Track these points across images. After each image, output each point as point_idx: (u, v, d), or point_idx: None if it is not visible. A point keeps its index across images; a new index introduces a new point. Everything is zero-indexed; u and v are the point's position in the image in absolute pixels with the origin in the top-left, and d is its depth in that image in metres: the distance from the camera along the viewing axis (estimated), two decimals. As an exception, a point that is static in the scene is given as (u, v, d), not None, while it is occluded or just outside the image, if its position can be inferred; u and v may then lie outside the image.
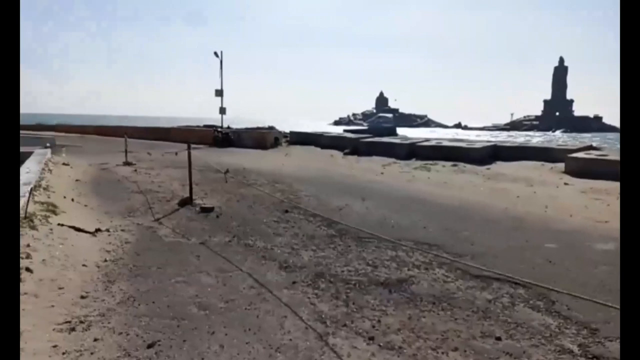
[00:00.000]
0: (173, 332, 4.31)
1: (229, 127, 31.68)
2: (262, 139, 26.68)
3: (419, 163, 17.49)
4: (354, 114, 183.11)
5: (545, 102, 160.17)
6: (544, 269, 6.22)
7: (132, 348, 3.99)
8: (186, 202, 10.36)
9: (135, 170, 15.42)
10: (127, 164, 16.92)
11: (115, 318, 4.55)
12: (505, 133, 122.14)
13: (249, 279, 5.76)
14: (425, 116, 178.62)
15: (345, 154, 21.42)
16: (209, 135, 28.01)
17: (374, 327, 4.50)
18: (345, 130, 32.55)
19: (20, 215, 7.09)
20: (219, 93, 32.32)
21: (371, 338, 4.26)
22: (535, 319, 4.72)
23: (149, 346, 4.03)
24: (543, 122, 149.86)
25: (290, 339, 4.21)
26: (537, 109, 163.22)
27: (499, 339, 4.29)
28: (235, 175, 13.55)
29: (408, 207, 10.11)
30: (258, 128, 34.01)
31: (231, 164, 16.42)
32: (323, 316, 4.71)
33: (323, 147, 24.27)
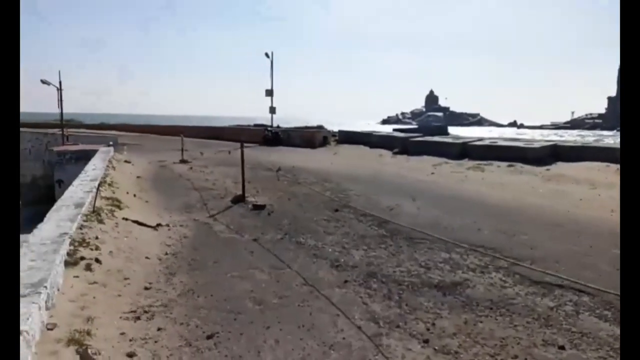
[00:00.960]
0: (230, 325, 4.46)
1: (278, 126, 32.25)
2: (311, 137, 26.91)
3: (472, 163, 16.96)
4: (402, 113, 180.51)
5: (610, 99, 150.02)
6: (611, 276, 5.83)
7: (193, 338, 4.17)
8: (239, 199, 10.65)
9: (191, 168, 16.04)
10: (183, 162, 17.64)
11: (176, 309, 4.77)
12: (574, 131, 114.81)
13: (301, 277, 5.84)
14: (478, 115, 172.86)
15: (395, 153, 21.17)
16: (259, 134, 28.62)
17: (428, 329, 4.43)
18: (394, 130, 32.15)
19: (89, 209, 7.59)
20: (269, 93, 32.94)
21: (426, 341, 4.20)
22: (602, 329, 4.45)
23: (209, 337, 4.19)
24: (607, 121, 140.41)
25: (344, 338, 4.23)
26: (600, 107, 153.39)
27: (562, 348, 4.08)
28: (285, 174, 13.77)
29: (461, 208, 9.84)
30: (307, 127, 34.35)
31: (281, 162, 16.69)
32: (376, 316, 4.69)
33: (372, 146, 24.11)
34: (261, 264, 6.34)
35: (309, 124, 40.56)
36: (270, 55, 32.83)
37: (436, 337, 4.27)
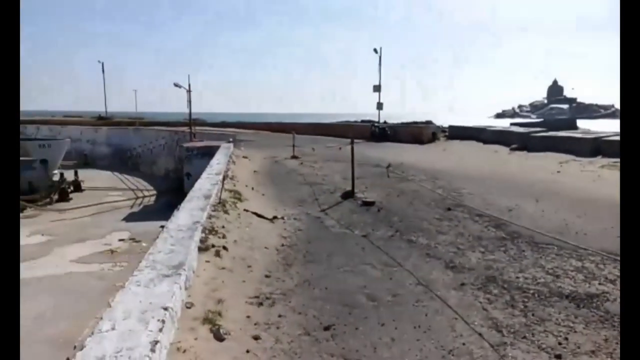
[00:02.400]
0: (346, 319, 4.55)
1: (385, 122, 32.00)
2: (419, 133, 26.21)
3: (607, 161, 15.00)
4: (520, 106, 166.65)
5: None
6: None
7: (311, 328, 4.34)
8: (348, 195, 10.80)
9: (302, 164, 16.69)
10: (294, 157, 18.44)
11: (294, 299, 5.01)
12: None
13: (415, 276, 5.73)
14: (612, 106, 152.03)
15: (512, 149, 19.64)
16: (367, 130, 28.69)
17: (560, 344, 4.03)
18: (511, 124, 29.84)
19: (216, 201, 8.32)
20: (377, 89, 32.82)
21: (558, 356, 3.83)
22: None
23: (326, 328, 4.32)
24: None
25: (463, 343, 4.05)
26: None
27: None
28: (394, 170, 13.60)
29: (594, 212, 8.76)
30: (415, 123, 33.54)
31: (388, 159, 16.53)
32: (498, 324, 4.40)
33: (485, 142, 22.67)
34: (373, 260, 6.36)
35: (417, 120, 39.56)
36: (378, 50, 32.67)
37: (570, 353, 3.87)
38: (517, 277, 5.60)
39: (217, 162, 13.85)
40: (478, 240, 7.18)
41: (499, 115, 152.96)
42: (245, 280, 5.38)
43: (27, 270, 10.42)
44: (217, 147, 18.80)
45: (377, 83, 33.03)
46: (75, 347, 6.74)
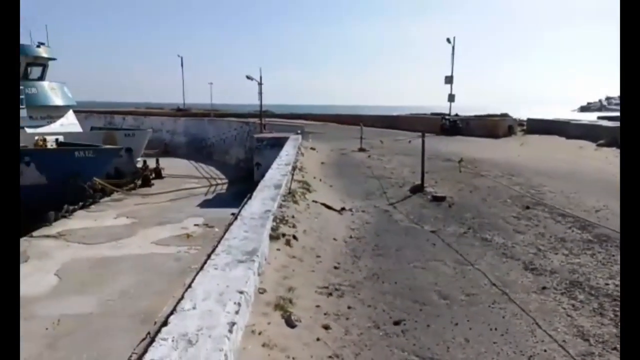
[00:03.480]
0: (416, 315, 4.45)
1: (457, 115, 30.79)
2: (494, 127, 24.93)
3: None
4: (607, 98, 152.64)
5: None
6: None
7: (381, 322, 4.30)
8: (417, 189, 10.55)
9: (369, 156, 16.56)
10: (361, 150, 18.34)
11: (364, 291, 4.99)
12: None
13: (490, 276, 5.46)
14: None
15: (599, 145, 18.05)
16: (436, 123, 27.80)
17: (658, 360, 3.64)
18: (599, 118, 27.41)
19: (286, 191, 8.50)
20: (449, 80, 31.63)
21: (656, 373, 3.46)
22: None
23: (396, 323, 4.26)
24: None
25: (545, 350, 3.79)
26: None
27: None
28: (466, 165, 13.06)
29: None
30: (489, 115, 31.93)
31: (460, 153, 15.90)
32: (584, 333, 4.07)
33: (569, 137, 21.04)
34: (444, 257, 6.16)
35: (492, 112, 37.63)
36: (452, 40, 31.41)
37: (671, 372, 3.48)
38: (607, 284, 5.14)
39: (286, 154, 14.14)
40: (561, 241, 6.69)
41: (583, 109, 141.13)
42: (315, 270, 5.45)
43: (115, 250, 11.35)
44: (286, 139, 19.20)
45: (448, 74, 31.82)
46: (155, 322, 7.25)
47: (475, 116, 31.18)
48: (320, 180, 11.48)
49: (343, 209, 8.56)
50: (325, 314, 4.39)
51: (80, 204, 15.87)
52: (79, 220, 14.13)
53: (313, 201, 8.45)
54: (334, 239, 6.74)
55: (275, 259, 5.39)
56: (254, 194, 8.20)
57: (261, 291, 4.51)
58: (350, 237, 7.00)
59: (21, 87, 19.44)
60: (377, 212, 8.64)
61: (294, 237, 6.18)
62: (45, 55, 22.87)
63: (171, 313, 7.42)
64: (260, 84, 24.87)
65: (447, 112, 31.96)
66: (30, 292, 8.59)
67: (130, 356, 6.34)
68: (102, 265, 10.27)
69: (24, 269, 9.86)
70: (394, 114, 40.20)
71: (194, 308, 3.61)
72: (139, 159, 22.84)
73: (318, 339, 3.84)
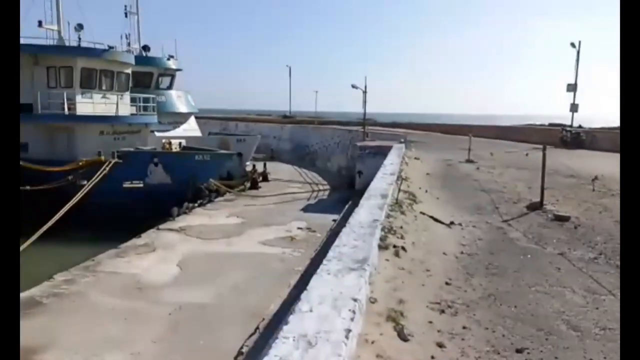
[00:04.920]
0: (541, 344, 4.06)
1: (580, 127, 27.86)
2: (626, 140, 22.02)
3: None
4: None
5: None
6: None
7: (500, 347, 4.00)
8: (536, 206, 9.71)
9: (478, 169, 15.70)
10: (469, 161, 17.48)
11: (479, 312, 4.70)
12: None
13: (629, 310, 4.79)
14: None
15: None
16: (555, 135, 25.41)
17: None
18: None
19: (392, 201, 8.39)
20: (572, 88, 28.76)
21: None
22: None
23: (518, 351, 3.94)
24: None
25: None
26: None
27: None
28: (590, 183, 11.73)
29: None
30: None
31: (583, 169, 14.33)
32: None
33: None
34: (571, 283, 5.56)
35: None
36: (577, 45, 28.60)
37: None
38: None
39: (391, 163, 14.00)
40: None
41: None
42: (425, 284, 5.28)
43: (227, 246, 12.22)
44: (389, 148, 19.03)
45: (571, 81, 28.98)
46: (263, 319, 7.63)
47: (602, 128, 27.93)
48: (426, 191, 11.16)
49: (452, 222, 8.21)
50: (438, 331, 4.22)
51: (198, 202, 17.41)
52: (197, 217, 15.48)
53: (421, 213, 8.23)
54: (444, 254, 6.48)
55: (385, 269, 5.33)
56: (361, 202, 8.22)
57: (372, 300, 4.49)
58: (462, 252, 6.67)
59: (153, 96, 21.97)
60: (489, 229, 8.13)
61: (403, 249, 6.06)
62: (173, 66, 25.62)
63: (278, 311, 7.75)
64: (364, 92, 25.07)
65: (567, 122, 29.10)
66: (157, 280, 9.61)
67: (242, 347, 6.75)
68: (216, 260, 11.11)
69: (152, 257, 11.07)
70: (506, 124, 37.68)
71: (310, 310, 3.70)
72: (248, 162, 24.44)
73: (433, 357, 3.70)
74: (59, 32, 19.07)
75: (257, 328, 7.23)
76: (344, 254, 5.18)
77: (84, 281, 9.32)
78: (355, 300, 3.91)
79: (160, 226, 13.88)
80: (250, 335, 7.01)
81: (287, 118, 48.52)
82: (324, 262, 4.91)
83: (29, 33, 18.12)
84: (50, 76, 17.85)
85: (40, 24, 18.61)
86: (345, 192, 20.46)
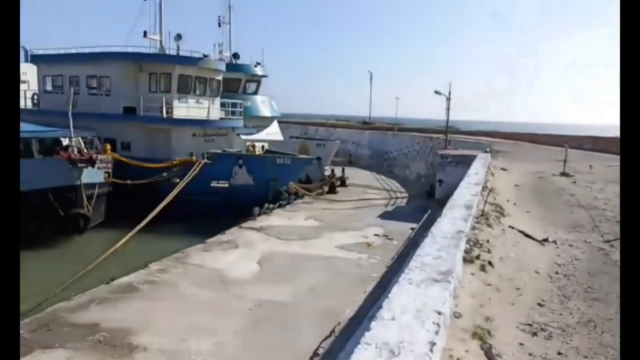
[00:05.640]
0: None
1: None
2: None
3: None
4: None
5: None
6: None
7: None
8: (644, 227, 8.70)
9: (574, 182, 14.45)
10: (564, 174, 16.15)
11: (576, 338, 4.31)
12: None
13: None
14: None
15: None
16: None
17: None
18: None
19: (478, 212, 8.01)
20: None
21: None
22: None
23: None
24: None
25: None
26: None
27: None
28: None
29: None
30: None
31: None
32: None
33: None
34: (690, 317, 4.89)
35: None
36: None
37: None
38: None
39: (475, 172, 13.38)
40: None
41: None
42: (515, 303, 4.96)
43: (304, 248, 12.45)
44: (473, 157, 18.21)
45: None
46: (339, 322, 7.66)
47: None
48: (515, 204, 10.50)
49: (546, 239, 7.63)
50: (530, 354, 3.94)
51: (278, 203, 17.97)
52: (277, 218, 16.00)
53: (510, 227, 7.76)
54: (536, 272, 6.04)
55: (470, 283, 5.10)
56: (443, 211, 7.94)
57: (457, 315, 4.31)
58: (556, 272, 6.17)
59: (240, 101, 23.13)
60: (588, 249, 7.43)
61: (490, 264, 5.75)
62: (260, 73, 26.79)
63: (354, 316, 7.73)
64: (448, 99, 24.26)
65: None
66: (239, 275, 10.07)
67: (317, 348, 6.83)
68: (294, 260, 11.38)
69: (235, 253, 11.63)
70: (610, 135, 34.27)
71: (392, 319, 3.64)
72: (326, 167, 24.78)
73: (524, 382, 3.46)
74: (161, 41, 20.82)
75: (333, 331, 7.27)
76: (426, 264, 5.04)
77: (175, 271, 10.03)
78: (439, 313, 3.78)
79: (242, 224, 14.54)
80: (326, 338, 7.07)
81: (366, 124, 48.48)
82: (406, 271, 4.81)
83: (136, 43, 20.01)
84: (152, 82, 19.54)
85: (145, 34, 20.47)
86: (424, 201, 19.93)
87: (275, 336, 7.28)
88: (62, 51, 21.05)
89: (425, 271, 4.79)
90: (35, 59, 22.67)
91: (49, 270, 12.49)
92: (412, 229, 14.88)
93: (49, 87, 21.96)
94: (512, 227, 7.77)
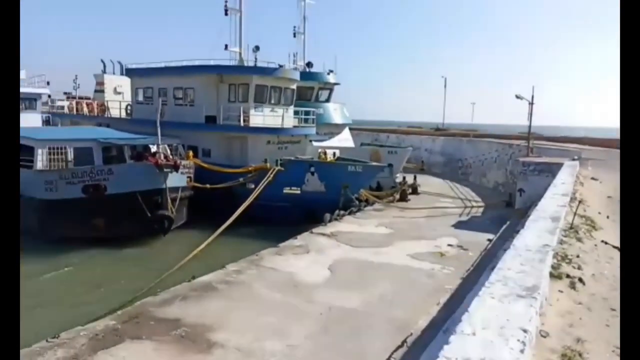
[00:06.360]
0: None
1: None
2: None
3: None
4: None
5: None
6: None
7: None
8: None
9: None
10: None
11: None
12: None
13: None
14: None
15: None
16: None
17: None
18: None
19: (566, 225, 7.43)
20: None
21: None
22: None
23: None
24: None
25: None
26: None
27: None
28: None
29: None
30: None
31: None
32: None
33: None
34: None
35: None
36: None
37: None
38: None
39: (562, 182, 12.46)
40: None
41: None
42: (610, 325, 4.52)
43: (375, 256, 12.34)
44: (559, 165, 16.96)
45: None
46: (411, 333, 7.48)
47: None
48: (608, 217, 9.61)
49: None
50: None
51: (349, 210, 18.01)
52: (347, 225, 16.03)
53: (602, 242, 7.11)
54: (635, 293, 5.45)
55: (557, 301, 4.75)
56: (527, 223, 7.47)
57: (543, 334, 4.03)
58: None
59: (313, 109, 23.58)
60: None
61: (580, 281, 5.31)
62: (332, 81, 27.14)
63: (427, 328, 7.50)
64: (531, 103, 22.83)
65: None
66: (311, 280, 10.21)
67: (389, 358, 6.72)
68: (364, 267, 11.31)
69: (306, 258, 11.83)
70: None
71: (473, 334, 3.48)
72: (398, 174, 24.39)
73: (623, 414, 3.13)
74: (240, 53, 21.90)
75: (405, 342, 7.12)
76: (509, 278, 4.77)
77: (249, 273, 10.42)
78: (524, 331, 3.56)
79: (314, 230, 14.74)
80: (398, 348, 6.93)
81: (439, 130, 47.13)
82: (487, 284, 4.59)
83: (218, 56, 21.25)
84: (231, 92, 20.59)
85: (226, 47, 21.66)
86: (502, 211, 18.88)
87: (345, 342, 7.27)
88: (152, 65, 22.90)
89: (508, 286, 4.55)
90: (129, 73, 24.91)
91: (137, 267, 13.56)
92: (489, 240, 14.15)
93: (140, 98, 23.98)
94: (606, 243, 7.10)
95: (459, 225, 16.62)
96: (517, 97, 22.69)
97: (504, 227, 15.20)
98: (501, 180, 25.36)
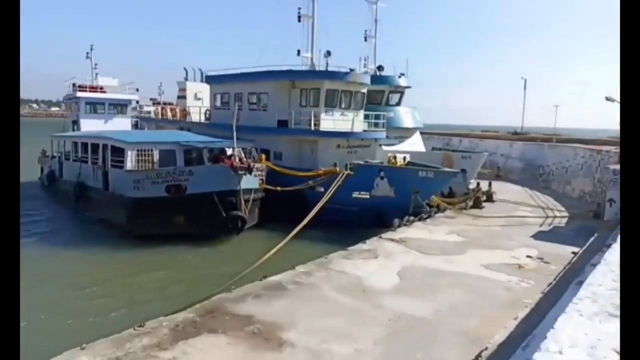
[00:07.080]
0: None
1: None
2: None
3: None
4: None
5: None
6: None
7: None
8: None
9: None
10: None
11: None
12: None
13: None
14: None
15: None
16: None
17: None
18: None
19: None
20: None
21: None
22: None
23: None
24: None
25: None
26: None
27: None
28: None
29: None
30: None
31: None
32: None
33: None
34: None
35: None
36: None
37: None
38: None
39: None
40: None
41: None
42: None
43: (446, 264, 11.94)
44: None
45: None
46: (487, 347, 7.13)
47: None
48: None
49: None
50: None
51: (419, 216, 17.60)
52: (417, 231, 15.67)
53: None
54: None
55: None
56: (619, 237, 6.83)
57: None
58: None
59: (384, 113, 23.35)
60: None
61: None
62: (403, 84, 26.73)
63: (504, 343, 7.12)
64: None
65: None
66: (379, 285, 10.11)
67: (462, 373, 6.45)
68: (435, 275, 10.98)
69: (375, 263, 11.72)
70: None
71: (560, 352, 3.26)
72: (472, 180, 23.38)
73: None
74: (312, 58, 22.30)
75: (480, 356, 6.80)
76: (599, 295, 4.41)
77: (318, 275, 10.55)
78: (618, 352, 3.26)
79: (382, 235, 14.59)
80: (471, 361, 6.64)
81: (517, 135, 44.51)
82: (574, 300, 4.27)
83: (291, 62, 21.78)
84: (302, 97, 21.03)
85: (298, 52, 22.19)
86: (589, 222, 17.41)
87: (415, 351, 7.11)
88: (229, 72, 24.06)
89: (599, 303, 4.20)
90: (208, 80, 26.37)
91: (213, 265, 14.28)
92: (574, 253, 13.11)
93: (218, 104, 25.29)
94: None
95: (539, 235, 15.59)
96: (607, 99, 20.83)
97: (592, 239, 13.99)
98: (588, 188, 23.39)
